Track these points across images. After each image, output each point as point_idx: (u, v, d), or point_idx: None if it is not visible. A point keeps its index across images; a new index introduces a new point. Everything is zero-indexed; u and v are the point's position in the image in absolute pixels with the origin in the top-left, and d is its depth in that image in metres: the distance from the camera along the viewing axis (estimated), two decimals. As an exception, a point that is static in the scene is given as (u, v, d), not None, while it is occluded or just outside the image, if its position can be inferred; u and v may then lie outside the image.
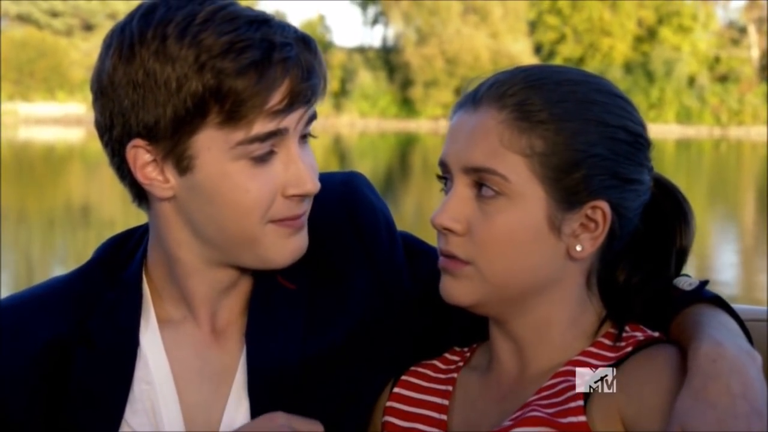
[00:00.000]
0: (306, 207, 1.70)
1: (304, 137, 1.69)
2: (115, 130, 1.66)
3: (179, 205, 1.68)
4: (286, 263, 1.70)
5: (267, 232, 1.67)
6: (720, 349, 1.51)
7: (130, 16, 1.66)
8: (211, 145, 1.63)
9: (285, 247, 1.69)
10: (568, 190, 1.59)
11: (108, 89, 1.64)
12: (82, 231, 15.12)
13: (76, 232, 15.28)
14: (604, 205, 1.60)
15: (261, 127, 1.62)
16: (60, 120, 45.27)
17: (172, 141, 1.63)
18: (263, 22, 1.64)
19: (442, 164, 1.65)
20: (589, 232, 1.61)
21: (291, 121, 1.64)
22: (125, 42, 1.63)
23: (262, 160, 1.64)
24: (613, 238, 1.63)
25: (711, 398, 1.47)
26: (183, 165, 1.64)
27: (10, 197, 19.03)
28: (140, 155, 1.65)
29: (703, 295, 1.63)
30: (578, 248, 1.61)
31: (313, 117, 1.69)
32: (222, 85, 1.59)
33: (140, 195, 1.71)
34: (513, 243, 1.60)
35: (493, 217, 1.60)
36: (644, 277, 1.67)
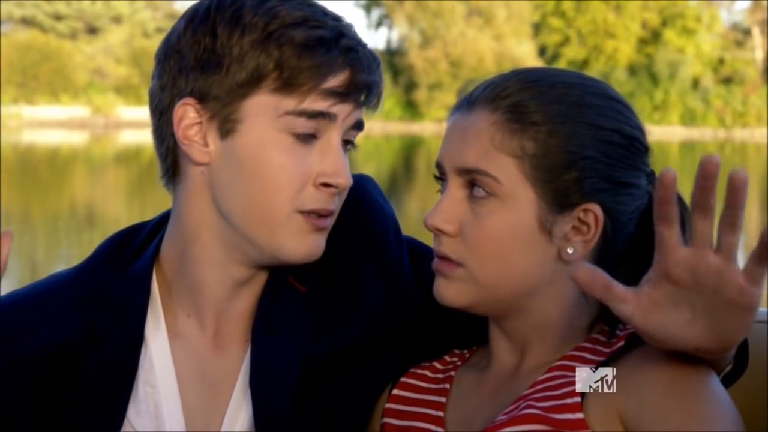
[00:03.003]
0: (335, 206, 1.69)
1: (347, 144, 1.70)
2: (168, 91, 1.67)
3: (211, 174, 1.68)
4: (300, 260, 1.69)
5: (291, 221, 1.66)
6: None
7: None
8: (260, 111, 1.64)
9: (303, 242, 1.67)
10: (560, 192, 1.60)
11: (173, 50, 1.67)
12: (87, 234, 15.13)
13: (81, 235, 15.28)
14: (596, 208, 1.60)
15: (313, 102, 1.63)
16: (64, 123, 45.28)
17: (223, 103, 1.64)
18: (337, 18, 1.68)
19: (438, 165, 1.66)
20: (581, 235, 1.61)
21: (342, 110, 1.65)
22: (202, 8, 1.67)
23: (304, 139, 1.65)
24: (607, 242, 1.63)
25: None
26: (226, 128, 1.65)
27: (14, 200, 19.04)
28: (188, 114, 1.66)
29: None
30: (569, 251, 1.61)
31: (361, 125, 1.69)
32: (286, 52, 1.62)
33: (174, 164, 1.71)
34: (503, 244, 1.60)
35: (484, 219, 1.60)
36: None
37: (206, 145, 1.67)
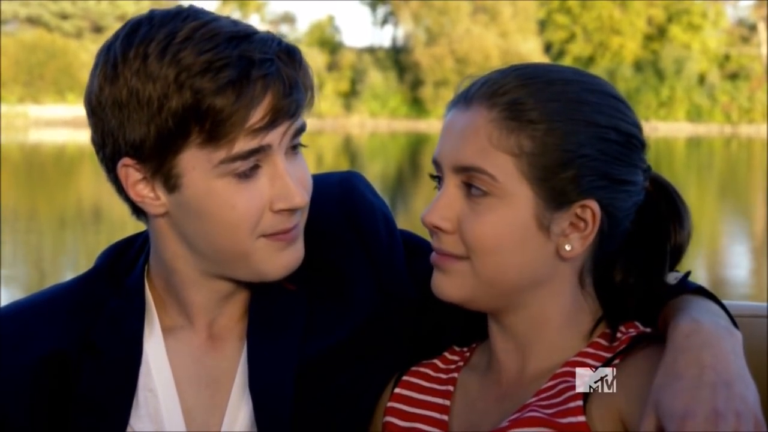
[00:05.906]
0: (297, 220, 1.70)
1: (295, 148, 1.69)
2: (107, 149, 1.67)
3: (173, 221, 1.69)
4: (280, 276, 1.71)
5: (259, 247, 1.67)
6: (695, 325, 1.53)
7: (116, 35, 1.67)
8: (195, 164, 1.63)
9: (277, 260, 1.69)
10: (557, 190, 1.59)
11: (97, 109, 1.66)
12: (93, 232, 15.15)
13: (87, 233, 15.30)
14: (594, 205, 1.60)
15: (243, 145, 1.62)
16: (70, 122, 45.33)
17: (158, 160, 1.64)
18: (244, 37, 1.64)
19: (435, 163, 1.66)
20: (578, 231, 1.61)
21: (274, 137, 1.64)
22: (110, 62, 1.64)
23: (247, 175, 1.64)
24: (604, 238, 1.63)
25: (680, 370, 1.48)
26: (170, 183, 1.66)
27: (21, 199, 19.07)
28: (130, 174, 1.67)
29: (687, 287, 1.65)
30: (567, 248, 1.61)
31: (301, 129, 1.68)
32: (201, 104, 1.60)
33: (137, 209, 1.72)
34: (501, 241, 1.60)
35: (482, 216, 1.60)
36: (640, 277, 1.67)
37: (157, 198, 1.68)
